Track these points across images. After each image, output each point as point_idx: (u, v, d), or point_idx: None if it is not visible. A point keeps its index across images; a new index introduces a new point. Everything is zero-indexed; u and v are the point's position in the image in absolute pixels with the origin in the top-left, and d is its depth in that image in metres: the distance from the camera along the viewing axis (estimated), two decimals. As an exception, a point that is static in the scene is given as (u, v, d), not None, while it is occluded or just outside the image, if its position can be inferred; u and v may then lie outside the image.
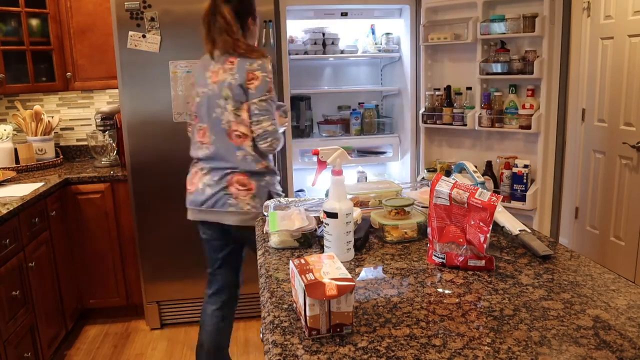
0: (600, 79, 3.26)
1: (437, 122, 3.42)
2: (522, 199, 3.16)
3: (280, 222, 1.60)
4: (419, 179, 3.58)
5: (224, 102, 2.10)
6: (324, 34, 3.44)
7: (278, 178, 2.26)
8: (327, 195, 1.53)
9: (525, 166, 3.13)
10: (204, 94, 2.16)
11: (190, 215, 2.29)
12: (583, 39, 3.28)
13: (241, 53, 2.10)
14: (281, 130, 2.20)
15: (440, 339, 1.04)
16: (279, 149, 2.17)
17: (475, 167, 1.77)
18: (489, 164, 3.25)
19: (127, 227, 3.05)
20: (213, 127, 2.14)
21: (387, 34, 3.60)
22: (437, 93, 3.42)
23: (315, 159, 1.59)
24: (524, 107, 3.10)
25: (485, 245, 1.34)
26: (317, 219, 1.65)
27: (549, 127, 3.11)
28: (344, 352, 1.00)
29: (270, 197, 2.15)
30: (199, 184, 2.20)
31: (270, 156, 2.22)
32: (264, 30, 2.85)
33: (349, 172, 3.60)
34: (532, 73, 3.01)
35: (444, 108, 3.38)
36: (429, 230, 1.45)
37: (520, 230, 1.57)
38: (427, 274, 1.38)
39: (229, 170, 2.13)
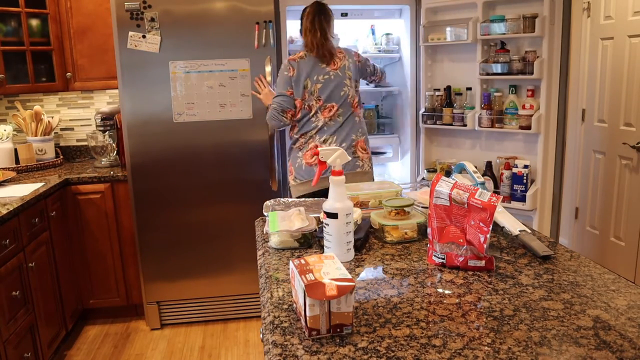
0: (600, 79, 3.26)
1: (437, 122, 3.42)
2: (522, 199, 3.16)
3: (280, 222, 1.60)
4: (419, 179, 3.58)
5: (349, 82, 2.71)
6: (324, 34, 3.44)
7: None
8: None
9: (525, 166, 3.13)
10: (326, 79, 2.67)
11: (309, 188, 2.67)
12: (583, 39, 3.28)
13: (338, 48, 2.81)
14: None
15: (440, 339, 1.04)
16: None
17: (475, 167, 1.77)
18: (489, 165, 3.25)
19: (127, 227, 3.05)
20: (342, 103, 2.69)
21: (387, 34, 3.60)
22: (437, 93, 3.42)
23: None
24: (524, 107, 3.10)
25: (485, 246, 1.34)
26: (317, 219, 1.65)
27: (549, 127, 3.11)
28: (344, 353, 1.00)
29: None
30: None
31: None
32: (264, 30, 2.85)
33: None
34: (532, 73, 3.01)
35: (444, 108, 3.37)
36: (429, 230, 1.45)
37: (520, 231, 1.57)
38: (427, 274, 1.38)
39: (353, 136, 2.70)
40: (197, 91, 2.86)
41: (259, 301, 1.28)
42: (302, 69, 2.68)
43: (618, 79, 3.11)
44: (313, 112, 2.68)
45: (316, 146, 2.66)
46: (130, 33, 2.75)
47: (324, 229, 1.46)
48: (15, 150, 3.18)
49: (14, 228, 2.33)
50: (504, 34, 3.07)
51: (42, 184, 2.79)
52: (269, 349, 1.03)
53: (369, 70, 2.92)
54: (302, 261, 1.15)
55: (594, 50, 3.26)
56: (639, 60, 2.96)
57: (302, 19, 2.74)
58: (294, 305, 1.17)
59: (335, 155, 1.50)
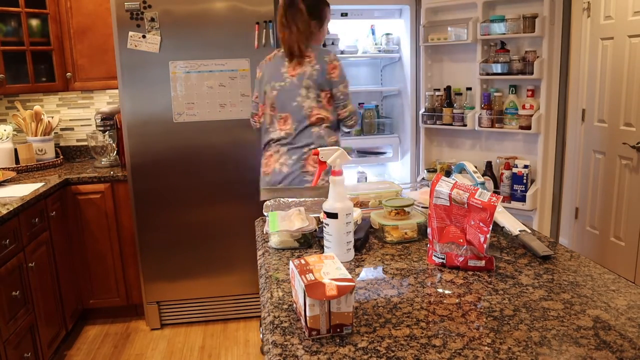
0: (600, 79, 3.26)
1: (437, 122, 3.43)
2: (522, 199, 3.16)
3: (281, 223, 1.60)
4: (419, 179, 3.58)
5: (306, 92, 2.41)
6: (324, 34, 3.44)
7: None
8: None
9: (525, 166, 3.14)
10: (281, 87, 2.45)
11: (265, 195, 2.49)
12: (583, 39, 3.28)
13: (315, 48, 2.45)
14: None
15: (440, 339, 1.04)
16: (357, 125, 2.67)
17: (475, 167, 1.77)
18: (489, 165, 3.25)
19: (127, 227, 3.05)
20: (296, 114, 2.43)
21: (387, 34, 3.60)
22: (437, 93, 3.42)
23: (315, 159, 1.59)
24: (524, 107, 3.10)
25: (485, 246, 1.34)
26: (317, 219, 1.65)
27: (549, 127, 3.11)
28: (344, 353, 1.00)
29: None
30: (275, 165, 2.45)
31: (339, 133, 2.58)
32: (264, 30, 2.85)
33: (349, 173, 3.60)
34: (532, 73, 3.01)
35: (444, 108, 3.38)
36: (429, 230, 1.45)
37: (520, 231, 1.57)
38: (427, 274, 1.38)
39: (305, 149, 2.42)
40: (197, 91, 2.86)
41: (259, 301, 1.28)
42: (265, 72, 2.52)
43: (618, 79, 3.11)
44: (269, 121, 2.52)
45: (270, 155, 2.49)
46: (130, 33, 2.75)
47: (324, 229, 1.46)
48: (15, 150, 3.18)
49: (14, 228, 2.33)
50: (504, 34, 3.07)
51: (42, 184, 2.79)
52: (269, 348, 1.03)
53: (337, 94, 2.45)
54: (302, 261, 1.15)
55: (594, 50, 3.26)
56: (639, 60, 2.96)
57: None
58: (294, 305, 1.17)
59: (335, 155, 1.50)
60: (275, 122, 2.48)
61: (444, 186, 1.40)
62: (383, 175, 3.92)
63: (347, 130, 2.62)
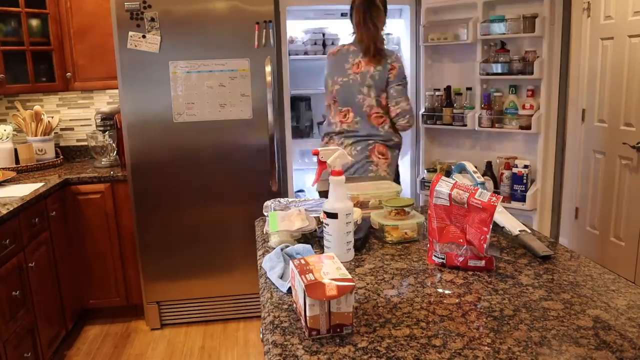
0: (600, 79, 3.26)
1: (437, 122, 3.43)
2: (522, 199, 3.16)
3: (280, 223, 1.60)
4: (419, 179, 3.58)
5: (367, 90, 2.54)
6: (324, 34, 3.45)
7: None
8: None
9: (525, 166, 3.13)
10: (344, 82, 2.58)
11: (325, 186, 2.50)
12: (583, 39, 3.27)
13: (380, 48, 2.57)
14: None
15: (440, 339, 1.04)
16: (413, 126, 2.72)
17: (475, 167, 1.77)
18: (489, 165, 3.25)
19: (127, 227, 3.05)
20: (357, 110, 2.57)
21: (387, 34, 3.60)
22: (437, 93, 3.42)
23: (315, 159, 1.59)
24: (524, 107, 3.10)
25: (485, 246, 1.34)
26: (317, 219, 1.65)
27: (549, 127, 3.11)
28: (344, 353, 1.00)
29: (397, 168, 2.71)
30: None
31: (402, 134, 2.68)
32: (264, 30, 2.85)
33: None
34: (532, 73, 3.01)
35: (444, 108, 3.38)
36: (428, 230, 1.45)
37: (520, 231, 1.57)
38: (427, 274, 1.38)
39: (370, 140, 2.55)
40: (197, 91, 2.86)
41: (259, 301, 1.28)
42: (330, 66, 2.66)
43: (618, 79, 3.11)
44: (332, 113, 2.66)
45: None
46: (130, 33, 2.75)
47: (324, 229, 1.46)
48: (15, 150, 3.18)
49: (14, 228, 2.33)
50: (504, 34, 3.07)
51: (42, 184, 2.79)
52: (269, 348, 1.03)
53: (391, 91, 2.57)
54: (302, 261, 1.15)
55: (594, 50, 3.26)
56: (639, 60, 2.95)
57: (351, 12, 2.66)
58: (294, 305, 1.17)
59: (335, 155, 1.50)
60: (337, 115, 2.62)
61: (444, 186, 1.40)
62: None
63: (401, 130, 2.68)
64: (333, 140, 2.65)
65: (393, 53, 2.61)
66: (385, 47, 2.64)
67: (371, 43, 2.54)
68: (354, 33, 2.67)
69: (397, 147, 2.67)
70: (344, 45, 2.69)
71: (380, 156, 2.60)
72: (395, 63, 2.56)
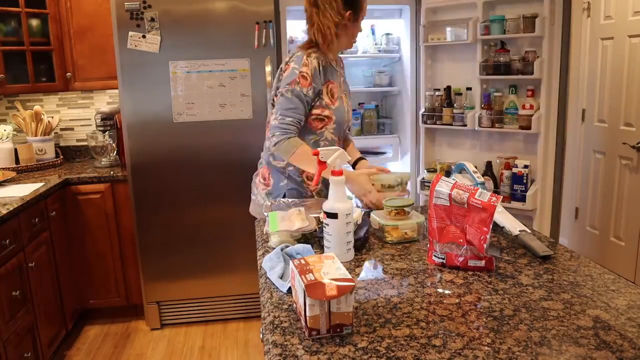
0: (600, 79, 3.26)
1: (437, 122, 3.43)
2: (522, 199, 3.16)
3: (280, 223, 1.60)
4: (419, 179, 3.58)
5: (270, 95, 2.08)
6: (324, 34, 3.44)
7: (307, 189, 2.02)
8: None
9: (525, 166, 3.14)
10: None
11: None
12: (583, 39, 3.28)
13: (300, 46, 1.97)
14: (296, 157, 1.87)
15: (440, 339, 1.04)
16: (282, 157, 1.91)
17: (475, 167, 1.77)
18: (489, 165, 3.25)
19: (127, 227, 3.05)
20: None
21: (387, 34, 3.60)
22: (437, 93, 3.42)
23: (315, 159, 1.59)
24: (524, 107, 3.10)
25: (485, 246, 1.34)
26: (317, 219, 1.65)
27: (549, 127, 3.11)
28: (344, 353, 1.00)
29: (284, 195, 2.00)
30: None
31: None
32: (264, 30, 2.85)
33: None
34: (532, 73, 3.01)
35: (444, 108, 3.38)
36: (428, 230, 1.45)
37: (520, 231, 1.57)
38: (427, 274, 1.38)
39: (261, 161, 2.13)
40: (197, 91, 2.86)
41: (259, 301, 1.27)
42: None
43: (618, 79, 3.11)
44: None
45: None
46: (130, 33, 2.75)
47: (324, 229, 1.46)
48: (15, 150, 3.18)
49: (14, 228, 2.33)
50: (504, 34, 3.07)
51: (42, 184, 2.79)
52: (269, 348, 1.03)
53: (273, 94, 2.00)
54: (302, 261, 1.15)
55: (594, 50, 3.26)
56: (639, 60, 2.95)
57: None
58: (294, 305, 1.17)
59: (335, 155, 1.50)
60: None
61: (444, 186, 1.40)
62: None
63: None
64: None
65: (299, 50, 1.94)
66: (299, 44, 2.03)
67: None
68: None
69: (287, 174, 2.01)
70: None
71: (261, 180, 2.08)
72: (291, 62, 1.93)
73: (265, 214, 1.79)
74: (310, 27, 1.96)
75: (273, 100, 1.98)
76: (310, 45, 1.95)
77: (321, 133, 1.98)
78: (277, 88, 1.96)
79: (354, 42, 2.07)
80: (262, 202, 2.01)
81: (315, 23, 1.94)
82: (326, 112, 1.94)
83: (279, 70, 2.00)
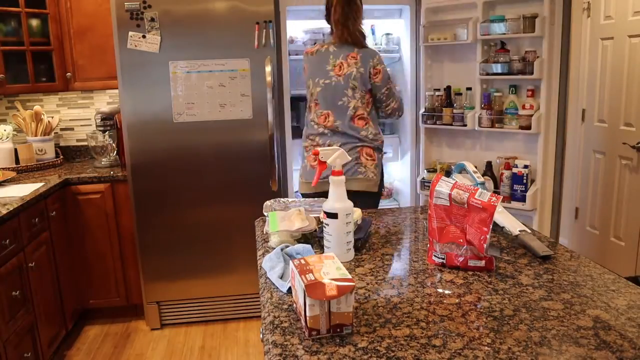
0: (600, 79, 3.26)
1: (437, 122, 3.42)
2: (522, 199, 3.16)
3: (280, 223, 1.60)
4: (419, 179, 3.58)
5: (352, 92, 2.49)
6: (323, 34, 3.44)
7: None
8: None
9: (525, 166, 3.13)
10: (326, 84, 2.52)
11: (308, 189, 2.60)
12: (583, 39, 3.27)
13: (362, 46, 2.54)
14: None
15: (440, 339, 1.04)
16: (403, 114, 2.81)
17: (475, 167, 1.77)
18: (489, 165, 3.25)
19: (127, 227, 3.05)
20: (339, 112, 2.51)
21: (387, 34, 3.60)
22: (437, 93, 3.42)
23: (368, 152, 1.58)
24: (524, 107, 3.10)
25: (485, 246, 1.34)
26: (317, 219, 1.65)
27: (549, 127, 3.11)
28: (344, 353, 1.00)
29: (382, 170, 2.62)
30: None
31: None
32: (264, 30, 2.85)
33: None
34: (532, 73, 3.01)
35: (444, 108, 3.38)
36: (428, 230, 1.45)
37: (520, 231, 1.57)
38: (427, 274, 1.38)
39: (359, 144, 2.51)
40: (197, 91, 2.86)
41: (259, 301, 1.27)
42: (310, 67, 2.60)
43: (618, 79, 3.11)
44: (312, 114, 2.60)
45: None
46: (130, 33, 2.75)
47: (324, 229, 1.46)
48: (15, 150, 3.18)
49: (14, 228, 2.33)
50: (504, 34, 3.07)
51: (42, 184, 2.79)
52: (269, 348, 1.03)
53: (379, 96, 2.57)
54: (302, 261, 1.15)
55: (594, 50, 3.26)
56: (639, 60, 2.95)
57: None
58: (294, 305, 1.17)
59: (335, 155, 1.50)
60: (318, 117, 2.56)
61: (444, 186, 1.40)
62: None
63: (389, 120, 2.96)
64: (316, 141, 2.58)
65: (375, 53, 2.53)
66: (365, 43, 2.59)
67: (355, 40, 2.51)
68: (332, 32, 2.60)
69: (381, 148, 2.62)
70: (322, 45, 2.60)
71: (367, 157, 2.53)
72: (379, 66, 2.50)
73: (266, 214, 1.79)
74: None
75: (364, 95, 2.52)
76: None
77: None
78: (373, 85, 2.53)
79: None
80: (372, 176, 2.53)
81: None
82: None
83: (364, 73, 2.49)
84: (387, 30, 3.62)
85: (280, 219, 1.63)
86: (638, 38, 2.96)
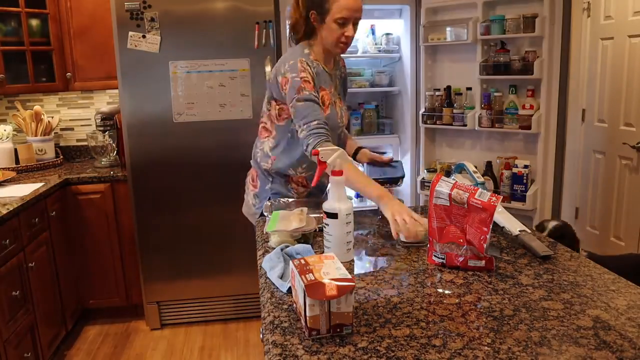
0: (600, 79, 3.26)
1: (437, 122, 3.42)
2: (522, 199, 3.16)
3: (280, 222, 1.60)
4: (419, 179, 3.58)
5: (265, 99, 1.98)
6: (324, 34, 3.44)
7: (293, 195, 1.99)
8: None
9: (525, 166, 3.13)
10: None
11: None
12: (583, 39, 3.27)
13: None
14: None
15: (440, 339, 1.04)
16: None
17: (475, 167, 1.77)
18: (489, 165, 3.25)
19: (127, 227, 3.05)
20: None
21: (387, 34, 3.60)
22: (437, 93, 3.42)
23: (315, 159, 1.59)
24: (524, 107, 3.10)
25: (485, 246, 1.34)
26: (318, 219, 1.65)
27: (549, 127, 3.11)
28: (344, 353, 1.00)
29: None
30: None
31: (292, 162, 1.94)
32: (264, 30, 2.85)
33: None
34: (532, 73, 3.01)
35: (444, 108, 3.37)
36: (428, 230, 1.45)
37: (520, 231, 1.57)
38: (427, 274, 1.38)
39: (251, 161, 2.09)
40: (197, 91, 2.86)
41: (259, 301, 1.27)
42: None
43: (618, 79, 3.11)
44: None
45: None
46: (130, 33, 2.75)
47: (324, 229, 1.46)
48: (15, 150, 3.18)
49: (14, 228, 2.33)
50: (504, 34, 3.07)
51: (42, 184, 2.79)
52: (269, 348, 1.03)
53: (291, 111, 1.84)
54: (302, 261, 1.15)
55: (594, 50, 3.26)
56: (639, 60, 2.96)
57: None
58: (294, 305, 1.17)
59: (335, 155, 1.50)
60: None
61: (444, 186, 1.40)
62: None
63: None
64: None
65: (294, 57, 1.84)
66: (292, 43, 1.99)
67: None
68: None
69: (274, 177, 1.98)
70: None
71: (250, 180, 2.08)
72: (287, 74, 1.81)
73: (266, 214, 1.79)
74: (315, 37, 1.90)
75: (271, 101, 1.92)
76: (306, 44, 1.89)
77: None
78: (272, 96, 1.90)
79: (340, 45, 1.85)
80: (251, 203, 2.05)
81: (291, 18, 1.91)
82: None
83: (273, 79, 1.88)
84: (387, 30, 3.62)
85: (281, 219, 1.63)
86: (638, 38, 2.96)
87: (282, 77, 1.82)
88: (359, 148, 2.20)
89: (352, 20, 1.81)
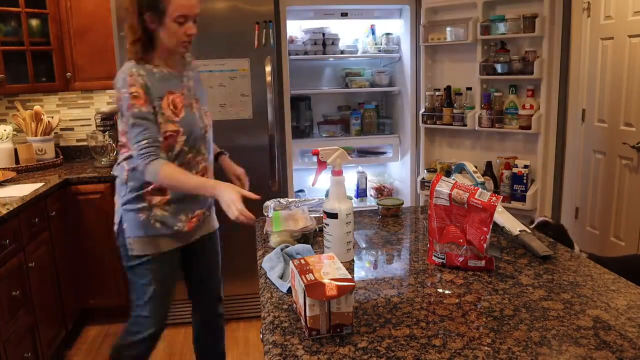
0: (600, 79, 3.26)
1: (437, 122, 3.42)
2: (522, 199, 3.16)
3: (284, 222, 1.60)
4: (419, 179, 3.58)
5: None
6: (324, 34, 3.44)
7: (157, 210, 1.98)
8: (327, 195, 1.53)
9: (525, 166, 3.13)
10: None
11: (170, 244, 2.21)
12: (583, 39, 3.27)
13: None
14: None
15: (440, 339, 1.04)
16: (151, 179, 1.81)
17: (475, 167, 1.77)
18: (489, 165, 3.25)
19: (127, 227, 3.04)
20: None
21: (387, 34, 3.60)
22: (437, 93, 3.42)
23: (315, 159, 1.59)
24: (524, 107, 3.10)
25: (485, 246, 1.34)
26: (318, 219, 1.65)
27: (549, 127, 3.11)
28: (344, 353, 1.00)
29: (142, 228, 1.98)
30: None
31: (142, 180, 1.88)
32: (264, 30, 2.85)
33: (349, 173, 3.60)
34: (532, 73, 3.01)
35: (444, 108, 3.37)
36: (428, 230, 1.45)
37: (520, 231, 1.57)
38: (427, 274, 1.38)
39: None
40: (197, 91, 2.85)
41: (258, 301, 1.27)
42: None
43: (618, 79, 3.11)
44: None
45: None
46: (130, 33, 2.74)
47: (324, 229, 1.46)
48: (15, 150, 3.18)
49: (14, 228, 2.33)
50: (504, 34, 3.07)
51: (42, 184, 2.79)
52: (269, 348, 1.03)
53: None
54: (302, 261, 1.15)
55: (594, 50, 3.26)
56: (639, 60, 2.95)
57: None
58: (294, 305, 1.17)
59: (335, 155, 1.50)
60: None
61: (444, 186, 1.40)
62: (383, 175, 3.92)
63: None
64: None
65: (126, 68, 1.82)
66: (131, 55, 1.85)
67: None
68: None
69: (131, 191, 1.96)
70: None
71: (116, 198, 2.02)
72: (116, 88, 1.83)
73: (266, 214, 1.79)
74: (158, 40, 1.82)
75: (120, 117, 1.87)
76: (135, 57, 1.82)
77: (172, 147, 1.84)
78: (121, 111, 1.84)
79: (184, 44, 1.87)
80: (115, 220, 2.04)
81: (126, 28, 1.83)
82: (171, 127, 1.81)
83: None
84: (387, 30, 3.62)
85: (284, 219, 1.63)
86: (638, 38, 2.96)
87: (117, 92, 1.82)
88: (220, 153, 2.17)
89: (192, 17, 1.79)
